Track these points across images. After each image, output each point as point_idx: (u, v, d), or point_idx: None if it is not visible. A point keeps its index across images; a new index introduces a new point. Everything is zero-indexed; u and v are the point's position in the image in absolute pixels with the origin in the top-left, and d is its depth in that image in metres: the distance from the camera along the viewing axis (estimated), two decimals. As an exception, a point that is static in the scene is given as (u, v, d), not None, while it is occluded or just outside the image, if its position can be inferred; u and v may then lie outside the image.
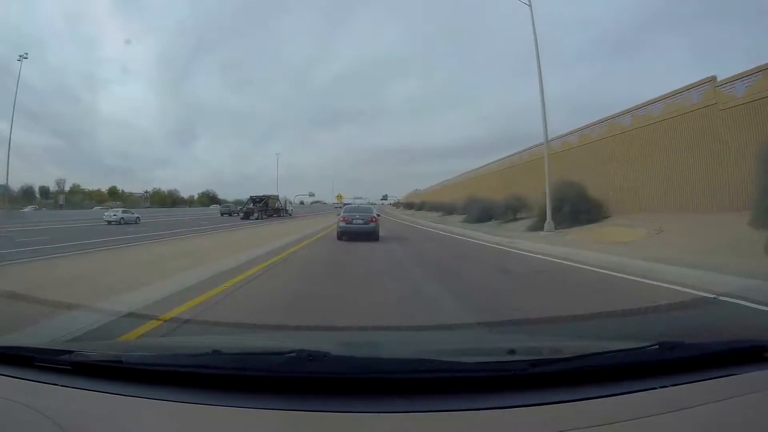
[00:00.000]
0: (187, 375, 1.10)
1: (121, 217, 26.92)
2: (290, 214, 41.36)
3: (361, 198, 60.06)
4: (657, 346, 1.17)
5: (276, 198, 42.72)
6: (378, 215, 14.84)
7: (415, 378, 1.08)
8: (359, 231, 12.86)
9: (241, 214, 38.16)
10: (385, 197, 79.16)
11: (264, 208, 39.14)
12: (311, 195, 79.19)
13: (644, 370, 1.11)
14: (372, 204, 42.04)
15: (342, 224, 13.21)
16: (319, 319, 3.80)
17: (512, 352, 1.29)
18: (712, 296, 4.59)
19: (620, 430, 0.88)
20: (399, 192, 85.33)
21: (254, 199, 39.99)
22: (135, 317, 3.70)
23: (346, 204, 29.94)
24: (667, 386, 1.04)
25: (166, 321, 3.64)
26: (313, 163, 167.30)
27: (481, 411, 0.96)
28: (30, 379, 1.15)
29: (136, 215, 28.71)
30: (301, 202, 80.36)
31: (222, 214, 41.53)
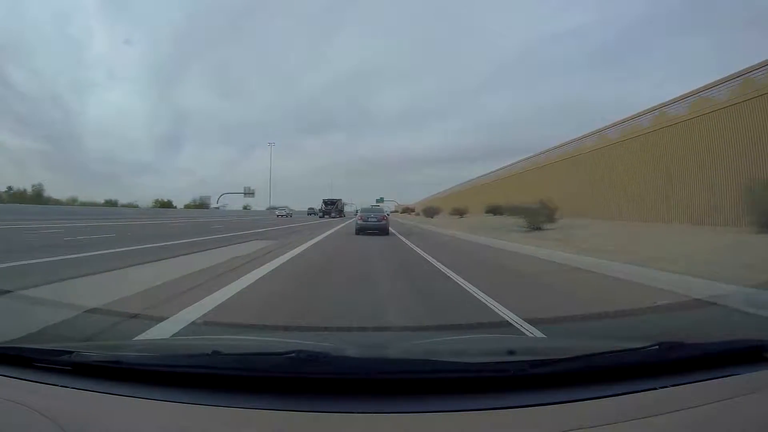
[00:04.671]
0: (187, 375, 1.10)
1: (287, 213, 55.95)
2: (344, 215, 56.54)
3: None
4: (657, 346, 1.16)
5: (340, 201, 61.37)
6: (388, 214, 19.63)
7: (414, 378, 1.08)
8: (373, 227, 16.63)
9: (320, 213, 55.61)
10: (380, 200, 71.94)
11: (336, 209, 56.36)
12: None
13: (644, 370, 1.10)
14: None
15: (359, 221, 17.09)
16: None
17: (512, 352, 1.28)
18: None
19: (620, 430, 0.88)
20: (389, 197, 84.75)
21: (327, 202, 58.34)
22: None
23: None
24: (667, 386, 1.04)
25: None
26: (302, 170, 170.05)
27: (481, 411, 0.96)
28: (30, 379, 1.14)
29: (291, 212, 60.22)
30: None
31: (309, 214, 62.12)
